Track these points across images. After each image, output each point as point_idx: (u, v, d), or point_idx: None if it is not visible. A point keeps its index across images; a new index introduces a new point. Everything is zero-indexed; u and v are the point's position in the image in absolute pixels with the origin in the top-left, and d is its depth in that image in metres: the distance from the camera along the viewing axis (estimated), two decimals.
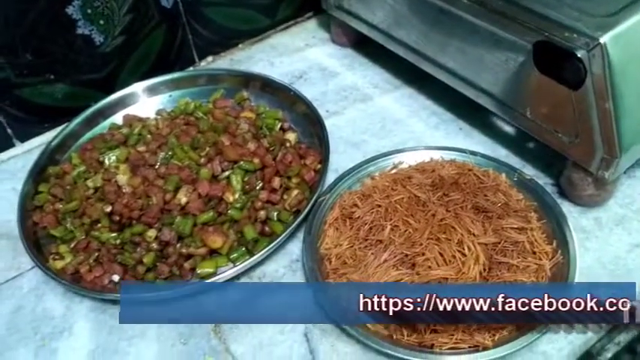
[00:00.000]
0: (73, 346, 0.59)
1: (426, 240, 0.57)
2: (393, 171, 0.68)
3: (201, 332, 0.58)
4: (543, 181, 0.67)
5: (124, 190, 0.65)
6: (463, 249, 0.56)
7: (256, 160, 0.68)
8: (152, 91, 0.82)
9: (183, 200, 0.64)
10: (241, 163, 0.67)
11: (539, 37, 0.57)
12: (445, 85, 0.73)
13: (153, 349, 0.58)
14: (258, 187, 0.67)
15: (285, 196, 0.67)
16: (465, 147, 0.70)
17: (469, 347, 0.52)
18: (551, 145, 0.63)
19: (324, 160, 0.68)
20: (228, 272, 0.60)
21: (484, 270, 0.55)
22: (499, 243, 0.57)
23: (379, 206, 0.62)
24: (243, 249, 0.63)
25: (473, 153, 0.68)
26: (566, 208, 0.64)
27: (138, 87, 0.81)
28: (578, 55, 0.53)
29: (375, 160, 0.69)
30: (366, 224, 0.61)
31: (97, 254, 0.63)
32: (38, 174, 0.72)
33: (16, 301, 0.63)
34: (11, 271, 0.66)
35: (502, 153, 0.72)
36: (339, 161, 0.72)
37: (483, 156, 0.68)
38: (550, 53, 0.56)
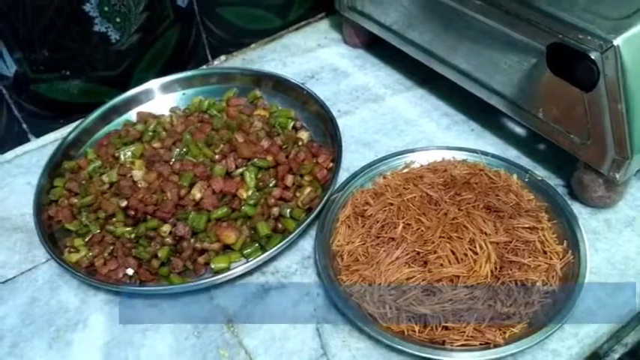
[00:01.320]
0: (88, 338, 0.59)
1: (438, 238, 0.58)
2: (405, 170, 0.69)
3: (214, 326, 0.59)
4: (554, 182, 0.68)
5: (139, 185, 0.66)
6: (475, 247, 0.57)
7: (270, 158, 0.68)
8: (166, 88, 0.83)
9: (198, 196, 0.65)
10: (255, 160, 0.68)
11: (553, 39, 0.57)
12: (457, 86, 0.74)
13: (167, 342, 0.58)
14: (271, 185, 0.67)
15: (297, 194, 0.67)
16: (476, 148, 0.71)
17: (480, 344, 0.53)
18: (562, 146, 0.63)
19: (337, 158, 0.69)
20: (241, 267, 0.60)
21: (495, 269, 0.56)
22: (510, 242, 0.58)
23: (391, 204, 0.62)
24: (257, 245, 0.64)
25: (484, 153, 0.69)
26: (577, 209, 0.64)
27: (152, 84, 0.82)
28: (592, 57, 0.54)
29: (387, 160, 0.70)
30: (378, 222, 0.61)
31: (111, 248, 0.64)
32: (53, 169, 0.73)
33: (30, 293, 0.64)
34: (26, 263, 0.67)
35: (513, 154, 0.72)
36: (351, 160, 0.73)
37: (495, 156, 0.69)
38: (563, 55, 0.57)
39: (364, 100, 0.84)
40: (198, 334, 0.59)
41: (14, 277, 0.66)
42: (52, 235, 0.67)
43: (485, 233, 0.58)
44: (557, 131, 0.63)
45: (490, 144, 0.74)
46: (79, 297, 0.63)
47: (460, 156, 0.69)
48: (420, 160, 0.70)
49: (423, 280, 0.55)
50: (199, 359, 0.57)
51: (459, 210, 0.60)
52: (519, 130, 0.75)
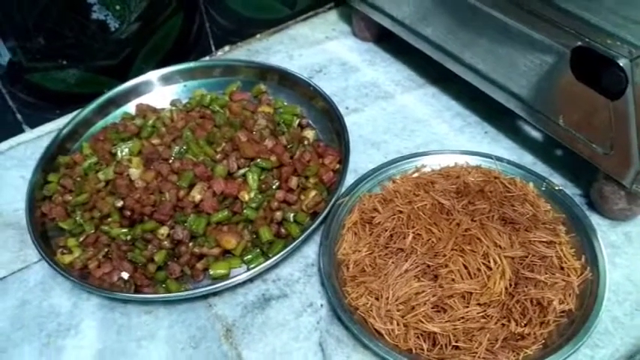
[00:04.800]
0: (80, 345, 0.57)
1: (449, 251, 0.55)
2: (416, 175, 0.65)
3: (212, 336, 0.56)
4: (572, 191, 0.65)
5: (136, 185, 0.63)
6: (489, 262, 0.54)
7: (273, 158, 0.65)
8: (167, 80, 0.80)
9: (198, 198, 0.61)
10: (258, 160, 0.65)
11: (578, 43, 0.54)
12: (471, 85, 0.70)
13: (162, 352, 0.56)
14: (274, 187, 0.64)
15: (302, 197, 0.64)
16: (490, 152, 0.68)
17: None
18: (583, 155, 0.60)
19: (344, 159, 0.66)
20: (242, 276, 0.57)
21: (510, 285, 0.53)
22: (526, 257, 0.55)
23: (401, 212, 0.59)
24: (258, 250, 0.61)
25: (499, 159, 0.65)
26: (595, 220, 0.61)
27: (152, 75, 0.79)
28: (620, 64, 0.50)
29: (397, 163, 0.67)
30: (386, 231, 0.58)
31: (106, 250, 0.61)
32: (48, 163, 0.70)
33: (22, 295, 0.61)
34: (17, 263, 0.64)
35: (529, 159, 0.69)
36: (359, 161, 0.70)
37: (510, 162, 0.65)
38: (589, 60, 0.54)
39: (373, 97, 0.80)
40: (195, 344, 0.56)
41: (4, 278, 0.63)
42: (45, 233, 0.64)
43: (500, 247, 0.55)
44: (577, 139, 0.60)
45: (504, 148, 0.71)
46: (71, 300, 0.61)
47: (474, 161, 0.66)
48: (432, 164, 0.66)
49: (433, 296, 0.53)
50: None
51: (473, 221, 0.57)
52: (535, 134, 0.72)
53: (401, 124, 0.76)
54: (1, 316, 0.59)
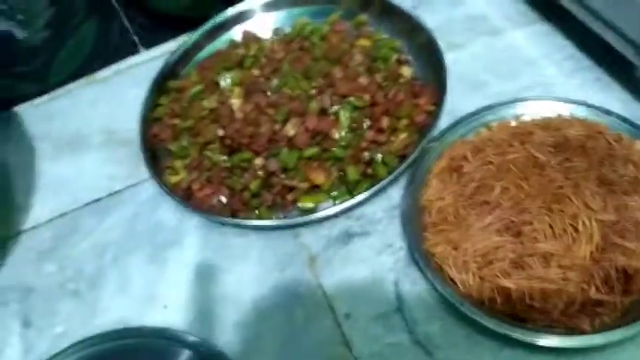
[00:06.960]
0: (182, 257, 0.63)
1: (536, 208, 0.54)
2: (514, 123, 0.63)
3: (297, 263, 0.60)
4: None
5: (236, 116, 0.67)
6: (577, 224, 0.52)
7: (367, 97, 0.65)
8: (271, 6, 0.81)
9: (291, 132, 0.64)
10: (351, 98, 0.65)
11: None
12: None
13: (252, 272, 0.61)
14: (365, 126, 0.65)
15: (392, 138, 0.64)
16: (600, 101, 0.63)
17: (565, 328, 0.50)
18: None
19: (439, 103, 0.64)
20: (328, 210, 0.60)
21: (596, 250, 0.51)
22: (619, 222, 0.52)
23: (491, 163, 0.58)
24: (344, 188, 0.63)
25: (607, 112, 0.61)
26: None
27: (256, 2, 0.80)
28: None
29: (495, 108, 0.64)
30: (473, 181, 0.58)
31: (208, 174, 0.66)
32: (159, 85, 0.75)
33: (134, 208, 0.69)
34: (131, 178, 0.71)
35: None
36: (455, 103, 0.67)
37: (619, 117, 0.61)
38: None
39: (479, 32, 0.76)
40: (281, 268, 0.60)
41: (120, 191, 0.71)
42: (155, 153, 0.70)
43: (592, 209, 0.53)
44: None
45: (617, 99, 0.65)
46: (176, 217, 0.67)
47: (578, 112, 0.62)
48: (533, 111, 0.63)
49: (512, 252, 0.52)
50: (280, 293, 0.59)
51: (566, 179, 0.55)
52: None
53: (506, 64, 0.71)
54: (116, 226, 0.67)
